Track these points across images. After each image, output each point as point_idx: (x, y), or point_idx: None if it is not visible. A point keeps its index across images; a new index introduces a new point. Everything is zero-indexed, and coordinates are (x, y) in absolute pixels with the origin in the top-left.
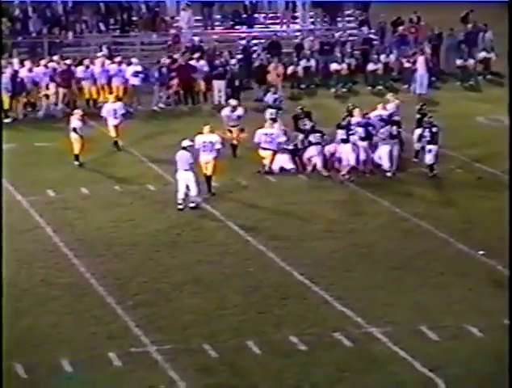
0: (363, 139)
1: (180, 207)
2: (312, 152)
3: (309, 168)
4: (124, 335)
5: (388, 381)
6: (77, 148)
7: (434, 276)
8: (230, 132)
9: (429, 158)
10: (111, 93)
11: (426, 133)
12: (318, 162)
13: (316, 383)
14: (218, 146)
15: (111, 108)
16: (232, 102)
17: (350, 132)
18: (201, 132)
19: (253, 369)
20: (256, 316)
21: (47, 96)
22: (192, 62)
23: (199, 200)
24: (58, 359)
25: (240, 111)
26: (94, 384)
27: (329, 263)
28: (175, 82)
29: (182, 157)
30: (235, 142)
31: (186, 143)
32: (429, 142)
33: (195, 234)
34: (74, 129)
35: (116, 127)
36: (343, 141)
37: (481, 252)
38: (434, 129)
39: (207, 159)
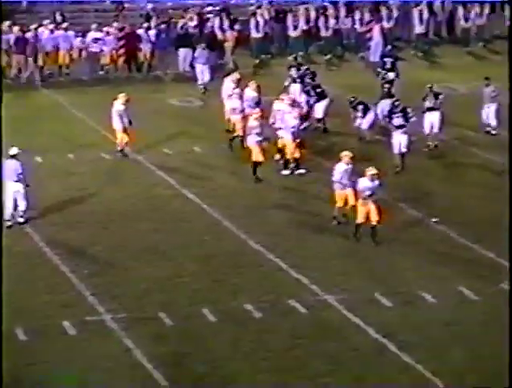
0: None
1: (8, 224)
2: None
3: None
4: (79, 303)
5: (343, 348)
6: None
7: (387, 244)
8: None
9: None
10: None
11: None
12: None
13: (271, 350)
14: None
15: None
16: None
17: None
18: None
19: (207, 336)
20: (211, 284)
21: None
22: (141, 31)
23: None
24: (12, 327)
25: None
26: (48, 352)
27: (285, 231)
28: (122, 50)
29: (10, 166)
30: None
31: (14, 151)
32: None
33: (151, 203)
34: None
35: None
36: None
37: (435, 219)
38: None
39: None
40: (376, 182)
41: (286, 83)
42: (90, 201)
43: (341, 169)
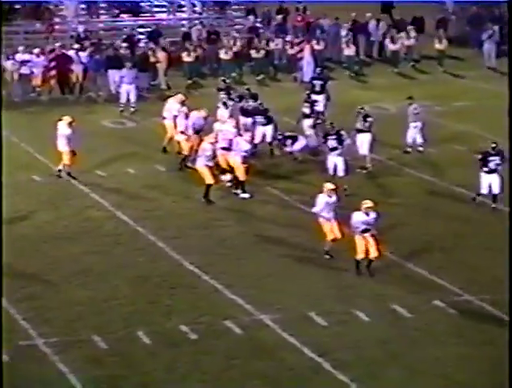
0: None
1: None
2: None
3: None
4: (11, 328)
5: (278, 368)
6: None
7: (321, 262)
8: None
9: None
10: None
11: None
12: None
13: (207, 372)
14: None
15: None
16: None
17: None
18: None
19: (143, 359)
20: (146, 306)
21: None
22: (72, 52)
23: None
24: None
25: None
26: None
27: (219, 251)
28: (53, 72)
29: None
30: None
31: None
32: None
33: (83, 225)
34: None
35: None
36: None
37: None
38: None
39: None
40: (372, 215)
41: (219, 105)
42: (22, 224)
43: (322, 201)
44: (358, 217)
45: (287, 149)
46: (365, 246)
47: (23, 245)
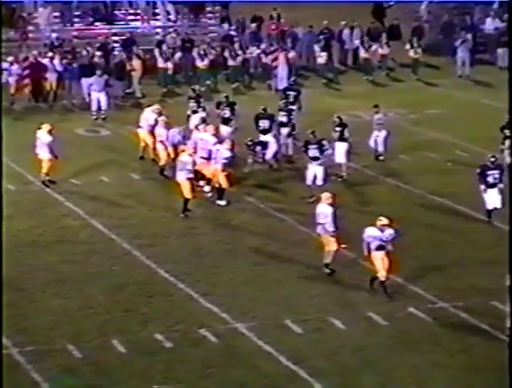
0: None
1: None
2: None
3: None
4: None
5: (254, 376)
6: None
7: (297, 270)
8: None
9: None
10: None
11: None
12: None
13: (182, 380)
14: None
15: None
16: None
17: None
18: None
19: (118, 367)
20: (121, 315)
21: None
22: (45, 61)
23: None
24: None
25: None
26: None
27: (194, 260)
28: (27, 80)
29: None
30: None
31: None
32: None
33: (58, 234)
34: None
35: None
36: None
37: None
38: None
39: None
40: (388, 232)
41: (188, 113)
42: None
43: (319, 210)
44: (370, 232)
45: (258, 155)
46: (381, 265)
47: None
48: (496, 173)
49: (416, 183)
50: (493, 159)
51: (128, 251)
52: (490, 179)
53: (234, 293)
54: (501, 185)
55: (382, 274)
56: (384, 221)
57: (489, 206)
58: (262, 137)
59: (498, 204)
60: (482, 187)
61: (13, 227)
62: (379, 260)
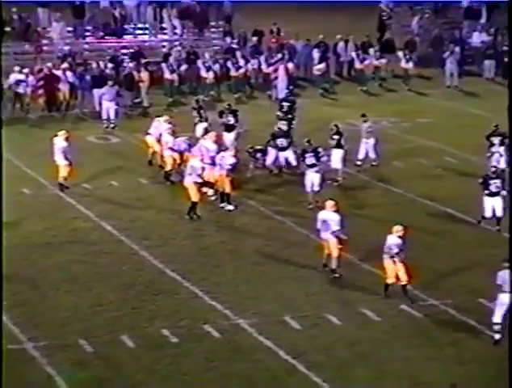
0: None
1: None
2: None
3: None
4: (2, 332)
5: (255, 369)
6: None
7: (295, 269)
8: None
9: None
10: None
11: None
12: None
13: (187, 373)
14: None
15: None
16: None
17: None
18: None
19: (127, 361)
20: (130, 312)
21: None
22: (59, 72)
23: None
24: None
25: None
26: None
27: (199, 259)
28: (41, 91)
29: None
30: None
31: None
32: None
33: (70, 235)
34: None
35: None
36: None
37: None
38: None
39: None
40: (401, 240)
41: (195, 121)
42: (11, 234)
43: (324, 217)
44: (392, 240)
45: (259, 162)
46: (395, 272)
47: (12, 254)
48: (498, 182)
49: (407, 188)
50: (493, 169)
51: (136, 252)
52: (493, 188)
53: (236, 291)
54: (503, 192)
55: (391, 280)
56: (400, 229)
57: (487, 213)
58: (281, 154)
59: (500, 213)
60: (484, 195)
61: (27, 229)
62: (392, 267)
